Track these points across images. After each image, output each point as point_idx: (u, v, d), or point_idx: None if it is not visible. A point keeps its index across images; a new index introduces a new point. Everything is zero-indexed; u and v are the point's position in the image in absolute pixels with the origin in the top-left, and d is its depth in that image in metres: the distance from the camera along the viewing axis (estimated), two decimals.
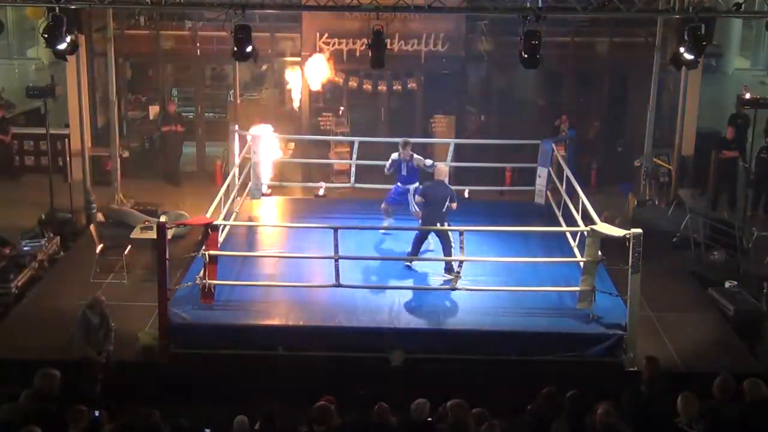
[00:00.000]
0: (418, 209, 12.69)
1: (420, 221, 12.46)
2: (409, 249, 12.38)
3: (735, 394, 8.22)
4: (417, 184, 13.12)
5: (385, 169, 13.47)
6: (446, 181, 12.43)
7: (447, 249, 11.99)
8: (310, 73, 16.51)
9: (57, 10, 12.10)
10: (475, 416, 8.06)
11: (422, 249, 12.44)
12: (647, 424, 8.20)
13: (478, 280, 11.76)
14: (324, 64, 16.44)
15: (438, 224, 12.04)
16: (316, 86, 16.64)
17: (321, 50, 16.67)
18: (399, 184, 13.36)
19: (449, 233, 11.95)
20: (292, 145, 17.10)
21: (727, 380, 8.26)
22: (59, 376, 8.36)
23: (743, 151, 16.18)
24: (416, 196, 12.59)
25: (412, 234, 12.48)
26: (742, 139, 16.18)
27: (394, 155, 13.35)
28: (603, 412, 7.85)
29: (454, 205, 12.15)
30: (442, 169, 12.51)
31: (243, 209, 14.44)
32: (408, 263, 12.36)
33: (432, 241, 12.52)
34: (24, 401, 8.02)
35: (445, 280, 11.93)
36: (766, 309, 12.13)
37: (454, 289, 11.33)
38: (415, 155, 13.30)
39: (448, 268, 11.98)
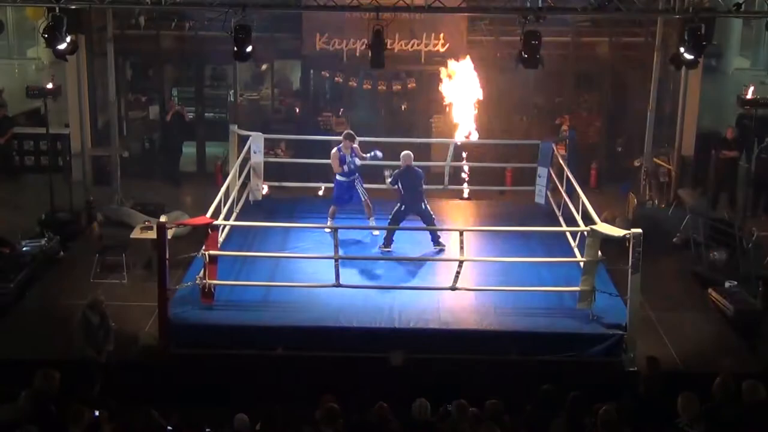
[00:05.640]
0: (365, 198, 13.38)
1: (402, 206, 12.82)
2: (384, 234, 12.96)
3: (735, 394, 8.22)
4: (357, 175, 13.46)
5: (336, 168, 13.39)
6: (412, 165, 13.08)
7: (430, 222, 12.82)
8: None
9: (57, 10, 12.10)
10: (489, 408, 8.10)
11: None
12: (647, 424, 8.20)
13: (478, 280, 11.76)
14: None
15: (422, 204, 12.85)
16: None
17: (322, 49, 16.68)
18: (341, 178, 13.39)
19: (428, 209, 12.88)
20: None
21: (727, 381, 8.25)
22: (59, 376, 8.36)
23: (747, 151, 16.18)
24: (392, 182, 12.94)
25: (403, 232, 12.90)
26: (748, 139, 16.15)
27: (335, 152, 13.33)
28: (603, 413, 7.85)
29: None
30: (409, 155, 13.00)
31: (243, 209, 14.43)
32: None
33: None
34: (23, 401, 8.02)
35: (438, 250, 12.70)
36: (761, 308, 12.13)
37: (454, 289, 11.33)
38: (356, 148, 13.39)
39: (436, 240, 12.75)
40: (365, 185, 13.67)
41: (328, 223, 13.21)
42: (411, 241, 13.04)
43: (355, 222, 13.68)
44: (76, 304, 11.10)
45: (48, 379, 8.26)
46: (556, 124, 17.13)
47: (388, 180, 13.00)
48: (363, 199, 13.47)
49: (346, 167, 13.29)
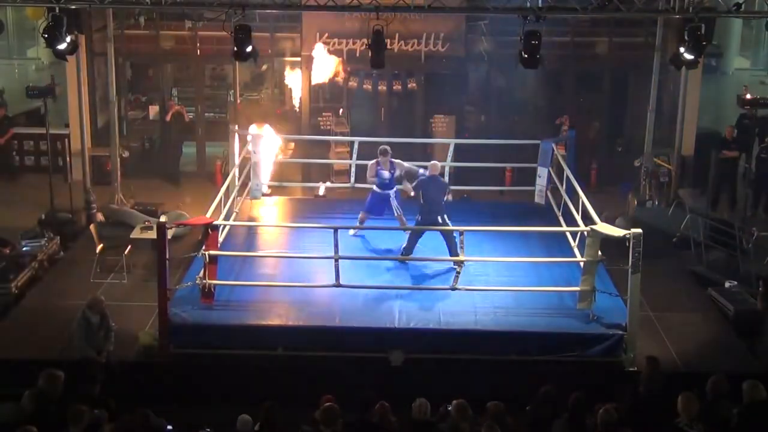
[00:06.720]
0: (399, 212, 13.05)
1: (419, 218, 12.46)
2: (404, 244, 12.48)
3: (731, 394, 8.21)
4: (396, 188, 13.24)
5: (368, 176, 13.34)
6: (438, 175, 12.70)
7: (449, 237, 12.08)
8: (315, 66, 16.43)
9: (57, 10, 12.10)
10: (492, 409, 8.10)
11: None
12: (647, 424, 8.20)
13: (478, 280, 11.77)
14: (328, 58, 16.41)
15: (439, 218, 12.24)
16: (319, 79, 16.57)
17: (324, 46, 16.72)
18: (378, 189, 13.26)
19: (447, 222, 12.26)
20: (292, 145, 17.13)
21: (720, 381, 8.26)
22: (63, 377, 8.36)
23: (746, 151, 16.18)
24: (415, 188, 12.60)
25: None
26: (748, 139, 16.15)
27: (373, 163, 13.28)
28: (603, 412, 7.85)
29: (450, 197, 12.69)
30: (436, 165, 12.75)
31: (243, 209, 14.44)
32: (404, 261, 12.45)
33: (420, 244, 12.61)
34: (27, 401, 8.01)
35: (455, 274, 11.66)
36: (761, 308, 12.13)
37: (454, 289, 11.33)
38: (395, 161, 13.25)
39: (454, 253, 12.07)
40: None
41: (350, 232, 13.06)
42: (419, 242, 12.91)
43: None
44: (76, 304, 11.09)
45: (52, 379, 8.25)
46: (556, 124, 17.14)
47: (408, 185, 12.79)
48: (396, 214, 13.24)
49: (378, 179, 13.17)
